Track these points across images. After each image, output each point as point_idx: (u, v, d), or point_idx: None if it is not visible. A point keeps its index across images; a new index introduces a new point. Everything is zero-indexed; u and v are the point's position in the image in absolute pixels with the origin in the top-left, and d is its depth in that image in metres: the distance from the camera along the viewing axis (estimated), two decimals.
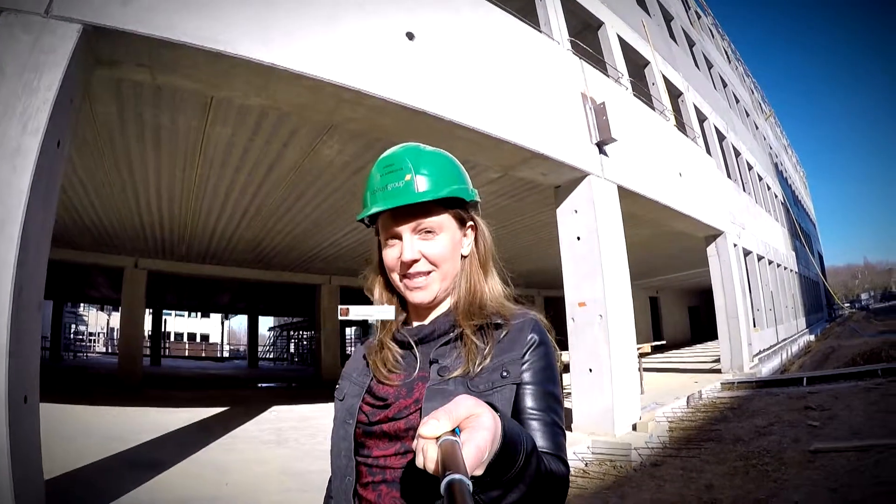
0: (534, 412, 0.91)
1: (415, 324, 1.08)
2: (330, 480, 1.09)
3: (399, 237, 1.00)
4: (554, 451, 0.87)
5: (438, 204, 1.01)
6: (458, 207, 1.05)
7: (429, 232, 1.00)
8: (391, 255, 1.02)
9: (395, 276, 1.03)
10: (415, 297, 1.02)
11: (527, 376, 0.93)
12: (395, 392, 0.97)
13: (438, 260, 1.01)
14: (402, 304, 1.10)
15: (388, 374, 1.00)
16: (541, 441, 0.87)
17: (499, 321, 0.98)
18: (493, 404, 0.68)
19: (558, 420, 0.93)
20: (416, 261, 0.99)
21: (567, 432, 6.41)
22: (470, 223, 1.08)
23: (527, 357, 0.95)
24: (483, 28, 5.96)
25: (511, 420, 0.73)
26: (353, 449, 0.99)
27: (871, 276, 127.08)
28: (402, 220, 0.99)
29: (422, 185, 0.98)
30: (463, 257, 1.07)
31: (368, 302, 1.12)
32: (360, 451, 0.99)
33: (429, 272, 1.01)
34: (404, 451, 0.92)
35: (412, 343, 1.02)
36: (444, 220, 1.02)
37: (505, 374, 0.92)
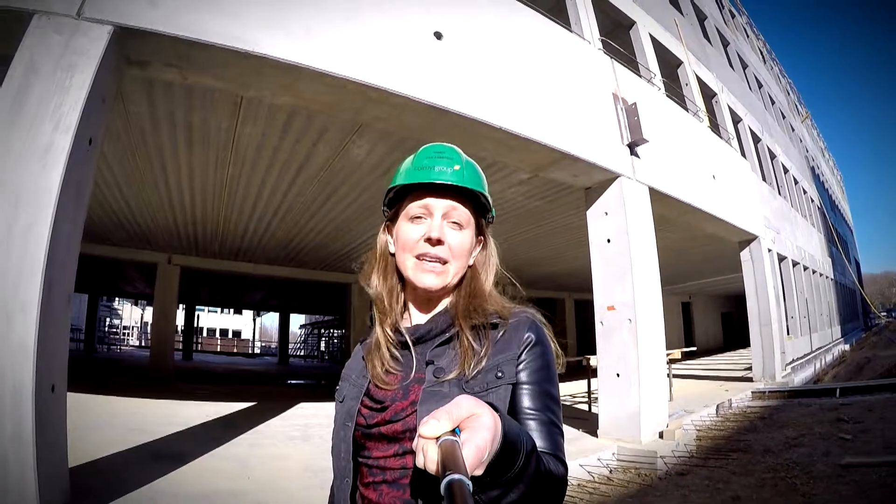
0: (531, 412, 0.91)
1: (413, 321, 1.08)
2: (334, 481, 1.10)
3: (430, 215, 1.02)
4: (552, 451, 0.87)
5: (470, 205, 1.05)
6: (482, 216, 1.10)
7: (456, 223, 1.03)
8: (415, 232, 1.02)
9: (408, 256, 1.02)
10: (425, 279, 1.01)
11: (523, 376, 0.93)
12: (392, 394, 0.97)
13: (457, 253, 1.02)
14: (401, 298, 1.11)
15: (385, 376, 1.00)
16: (539, 441, 0.87)
17: (496, 320, 0.99)
18: (492, 404, 0.68)
19: (556, 419, 0.93)
20: (440, 242, 1.00)
21: (593, 438, 6.38)
22: (480, 237, 1.11)
23: (523, 356, 0.95)
24: (512, 27, 5.93)
25: (511, 420, 0.73)
26: (351, 451, 1.00)
27: None
28: (441, 199, 1.02)
29: (468, 177, 1.03)
30: (469, 266, 1.08)
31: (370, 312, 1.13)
32: (361, 452, 1.00)
33: (444, 262, 1.01)
34: (402, 453, 0.93)
35: (409, 343, 1.01)
36: (471, 218, 1.06)
37: (500, 374, 0.93)
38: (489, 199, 1.08)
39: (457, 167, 1.02)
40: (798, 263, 16.48)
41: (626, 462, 5.84)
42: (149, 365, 13.90)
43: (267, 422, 8.10)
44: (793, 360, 13.65)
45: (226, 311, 55.18)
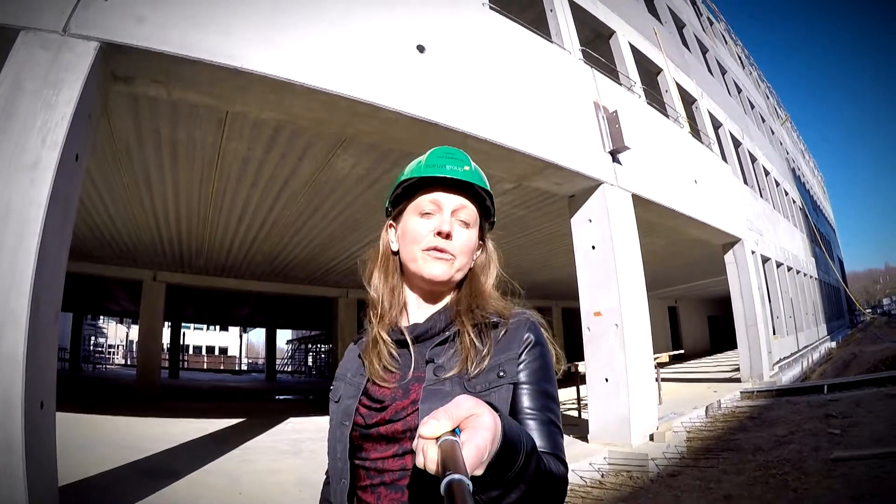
0: (531, 412, 0.91)
1: (411, 320, 1.08)
2: (325, 483, 1.11)
3: (440, 210, 1.04)
4: (552, 451, 0.87)
5: (477, 205, 1.08)
6: (485, 219, 1.13)
7: (464, 222, 1.05)
8: (424, 226, 1.04)
9: (417, 249, 1.03)
10: (433, 268, 1.02)
11: (523, 376, 0.93)
12: (392, 393, 0.97)
13: (463, 249, 1.04)
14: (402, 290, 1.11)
15: (384, 373, 1.00)
16: (539, 441, 0.86)
17: (496, 320, 0.99)
18: (492, 404, 0.68)
19: (555, 419, 0.93)
20: (449, 235, 1.02)
21: (583, 443, 6.41)
22: (482, 241, 1.13)
23: (523, 357, 0.95)
24: (494, 39, 6.00)
25: (511, 420, 0.73)
26: (348, 451, 0.99)
27: (892, 280, 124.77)
28: (453, 196, 1.05)
29: (477, 179, 1.06)
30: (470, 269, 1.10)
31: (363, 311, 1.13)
32: (358, 453, 0.99)
33: (452, 255, 1.03)
34: (402, 453, 0.92)
35: (408, 341, 1.01)
36: (477, 221, 1.09)
37: (501, 374, 0.93)
38: (493, 203, 1.11)
39: (466, 168, 1.05)
40: (782, 264, 16.66)
41: (618, 465, 5.86)
42: (135, 383, 13.71)
43: (257, 437, 8.04)
44: (780, 360, 13.77)
45: (212, 327, 54.61)
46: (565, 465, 0.88)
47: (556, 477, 0.82)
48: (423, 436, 0.60)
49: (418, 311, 1.08)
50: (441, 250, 1.01)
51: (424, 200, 1.04)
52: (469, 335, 0.96)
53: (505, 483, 0.69)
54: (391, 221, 1.14)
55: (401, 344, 1.03)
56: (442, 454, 0.56)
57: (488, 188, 1.08)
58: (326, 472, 1.10)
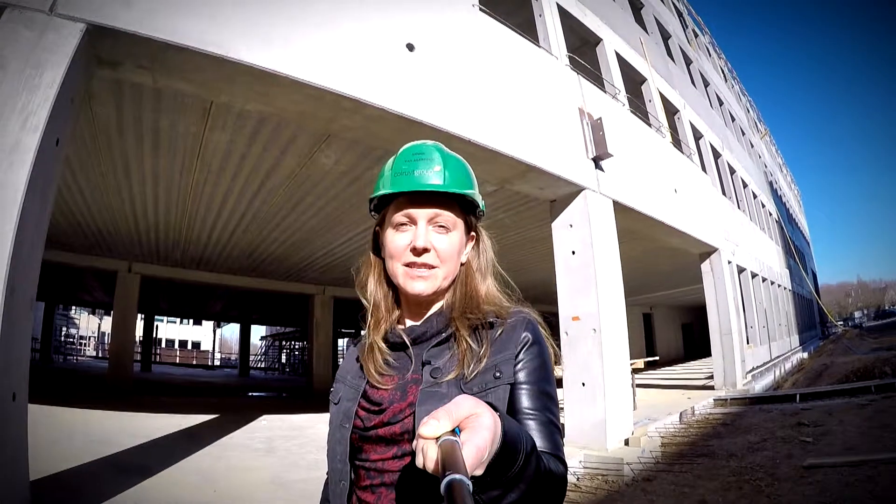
0: (530, 412, 0.91)
1: (408, 323, 1.07)
2: (326, 483, 1.10)
3: (414, 223, 1.00)
4: (552, 451, 0.87)
5: (455, 205, 1.03)
6: (470, 213, 1.08)
7: (442, 227, 1.01)
8: (400, 240, 1.00)
9: (397, 265, 1.00)
10: (415, 286, 0.99)
11: (521, 376, 0.93)
12: (390, 396, 0.97)
13: (445, 257, 1.01)
14: (396, 301, 1.10)
15: (380, 378, 0.99)
16: (538, 441, 0.86)
17: (493, 320, 0.98)
18: (492, 404, 0.67)
19: (554, 419, 0.92)
20: (426, 250, 0.98)
21: None
22: (472, 232, 1.10)
23: (521, 356, 0.94)
24: (482, 41, 6.01)
25: (511, 420, 0.73)
26: (348, 453, 0.98)
27: (864, 294, 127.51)
28: (423, 207, 1.00)
29: (450, 178, 1.00)
30: (461, 264, 1.07)
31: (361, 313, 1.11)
32: (358, 455, 0.99)
33: (433, 267, 1.00)
34: (402, 455, 0.92)
35: (406, 343, 1.00)
36: (458, 221, 1.04)
37: (498, 374, 0.92)
38: (475, 197, 1.05)
39: (437, 168, 1.00)
40: (757, 275, 16.92)
41: (593, 469, 5.90)
42: (107, 376, 13.48)
43: (230, 434, 7.96)
44: (753, 369, 13.98)
45: (185, 321, 53.88)
46: (565, 464, 0.87)
47: (556, 476, 0.82)
48: (422, 436, 0.60)
49: (415, 313, 1.07)
50: (419, 266, 0.99)
51: (397, 214, 1.01)
52: (465, 340, 0.95)
53: (505, 483, 0.69)
54: (377, 228, 1.11)
55: (399, 346, 1.02)
56: (442, 454, 0.56)
57: (465, 187, 1.03)
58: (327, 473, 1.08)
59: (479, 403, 0.64)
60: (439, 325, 1.01)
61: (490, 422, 0.62)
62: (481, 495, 0.68)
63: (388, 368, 1.00)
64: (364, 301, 1.10)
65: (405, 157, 1.02)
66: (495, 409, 0.67)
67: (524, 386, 0.92)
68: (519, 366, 0.93)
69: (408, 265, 0.99)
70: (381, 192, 1.02)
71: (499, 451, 0.64)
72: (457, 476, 0.51)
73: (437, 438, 0.59)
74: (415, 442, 0.61)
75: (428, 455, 0.58)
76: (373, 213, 1.11)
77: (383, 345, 1.02)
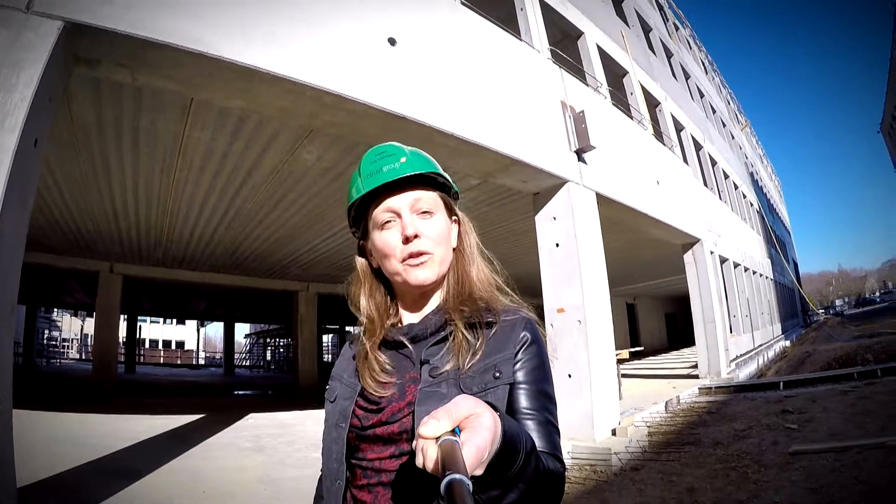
0: (528, 412, 0.91)
1: (406, 320, 1.07)
2: (320, 480, 1.09)
3: (398, 215, 1.00)
4: (550, 450, 0.87)
5: (431, 188, 1.04)
6: (447, 195, 1.09)
7: (426, 212, 1.02)
8: (390, 237, 1.00)
9: (394, 262, 1.00)
10: (418, 275, 0.99)
11: (520, 375, 0.93)
12: (388, 395, 0.96)
13: (437, 239, 1.01)
14: (392, 300, 1.10)
15: (376, 386, 0.98)
16: (537, 440, 0.86)
17: (490, 319, 0.98)
18: (492, 404, 0.68)
19: (553, 419, 0.93)
20: (417, 236, 0.98)
21: None
22: (454, 217, 1.10)
23: (519, 356, 0.95)
24: (465, 35, 6.01)
25: (510, 420, 0.73)
26: (344, 453, 0.98)
27: (845, 282, 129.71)
28: (401, 195, 1.00)
29: (418, 164, 1.02)
30: (453, 249, 1.08)
31: (346, 308, 1.10)
32: (355, 454, 0.98)
33: (429, 253, 1.00)
34: (399, 454, 0.92)
35: (405, 342, 1.00)
36: (438, 201, 1.05)
37: (497, 374, 0.92)
38: (447, 176, 1.07)
39: (403, 159, 1.01)
40: (739, 265, 17.13)
41: (582, 460, 5.95)
42: (91, 378, 13.36)
43: (218, 434, 7.93)
44: (736, 357, 14.17)
45: (169, 321, 53.40)
46: (563, 464, 0.88)
47: (555, 476, 0.82)
48: (422, 435, 0.60)
49: (413, 313, 1.07)
50: (417, 254, 0.99)
51: (379, 213, 1.01)
52: (462, 332, 0.96)
53: (505, 483, 0.69)
54: (361, 242, 1.11)
55: (399, 345, 1.02)
56: (442, 454, 0.56)
57: (433, 168, 1.05)
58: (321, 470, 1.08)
59: (479, 403, 0.64)
60: (437, 323, 1.00)
61: (490, 422, 0.62)
62: (481, 495, 0.69)
63: (385, 375, 0.99)
64: (357, 316, 1.09)
65: (370, 160, 1.03)
66: (495, 409, 0.67)
67: (523, 386, 0.93)
68: (518, 365, 0.94)
69: (405, 259, 0.99)
70: (359, 195, 1.03)
71: (499, 451, 0.64)
72: (457, 476, 0.51)
73: (437, 438, 0.59)
74: (415, 442, 0.61)
75: (428, 455, 0.58)
76: (353, 229, 1.11)
77: (381, 356, 1.01)
